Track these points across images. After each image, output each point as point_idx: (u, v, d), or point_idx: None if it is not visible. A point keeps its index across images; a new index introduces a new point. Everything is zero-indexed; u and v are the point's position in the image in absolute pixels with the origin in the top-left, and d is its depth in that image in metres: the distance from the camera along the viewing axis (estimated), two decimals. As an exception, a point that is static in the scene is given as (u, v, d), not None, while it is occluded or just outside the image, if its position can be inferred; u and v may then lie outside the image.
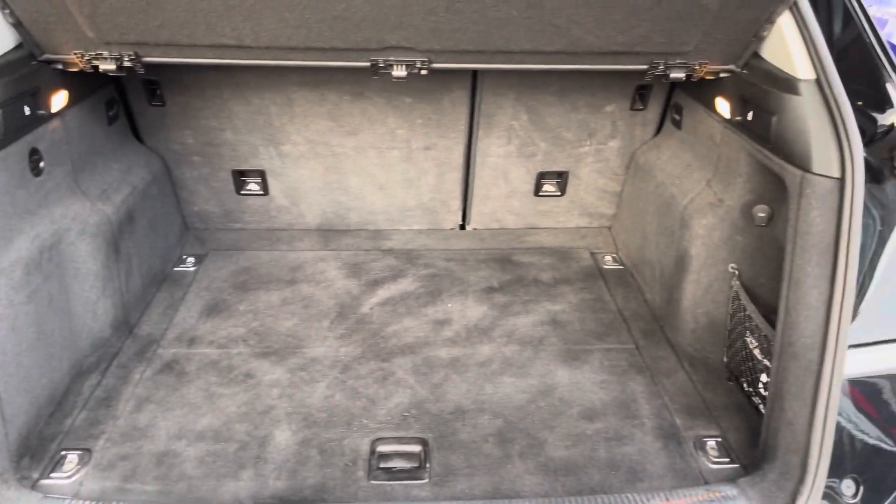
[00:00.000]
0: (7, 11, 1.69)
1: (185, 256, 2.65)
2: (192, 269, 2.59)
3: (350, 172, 2.72)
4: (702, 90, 2.24)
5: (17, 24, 1.73)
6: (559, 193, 2.83)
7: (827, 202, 1.57)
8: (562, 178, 2.79)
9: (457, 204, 2.84)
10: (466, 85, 2.50)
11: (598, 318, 2.36)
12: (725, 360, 2.09)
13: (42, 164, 1.87)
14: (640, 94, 2.55)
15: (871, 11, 1.83)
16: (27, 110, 1.80)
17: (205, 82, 2.45)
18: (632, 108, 2.58)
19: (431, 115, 2.58)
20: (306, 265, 2.64)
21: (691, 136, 2.36)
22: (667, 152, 2.51)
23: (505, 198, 2.83)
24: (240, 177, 2.71)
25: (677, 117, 2.46)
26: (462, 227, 2.91)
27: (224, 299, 2.41)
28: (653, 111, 2.60)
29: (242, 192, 2.75)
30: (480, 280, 2.57)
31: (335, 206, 2.81)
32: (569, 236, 2.88)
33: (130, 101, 2.47)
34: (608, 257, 2.74)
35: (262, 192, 2.76)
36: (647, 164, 2.57)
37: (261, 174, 2.71)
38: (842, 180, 1.56)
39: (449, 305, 2.41)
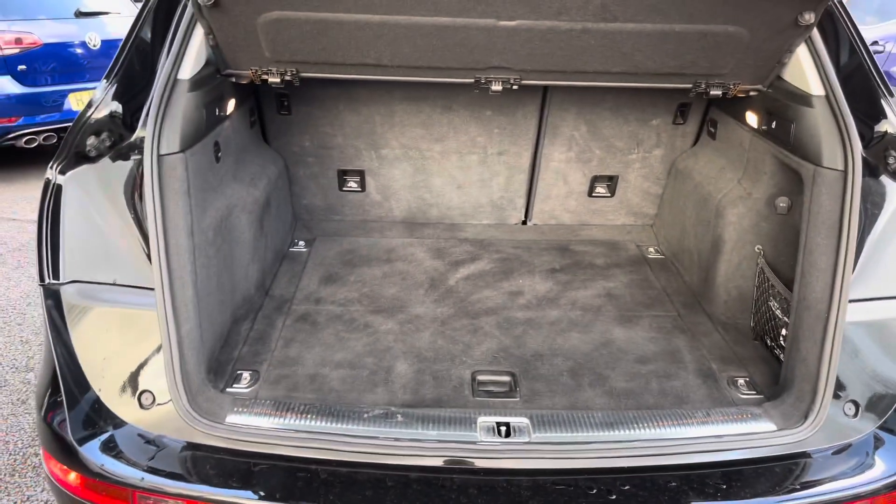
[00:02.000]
0: (210, 36, 2.24)
1: (297, 240, 3.19)
2: (305, 250, 3.13)
3: (434, 173, 3.26)
4: (734, 106, 2.75)
5: (215, 46, 2.28)
6: (609, 195, 3.34)
7: (834, 188, 2.05)
8: (612, 181, 3.30)
9: (521, 202, 3.36)
10: (537, 101, 3.04)
11: (645, 293, 2.85)
12: (752, 323, 2.56)
13: (220, 154, 2.42)
14: (681, 111, 3.08)
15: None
16: (216, 112, 2.35)
17: (325, 96, 3.01)
18: (674, 123, 3.11)
19: (506, 125, 3.11)
20: (398, 249, 3.17)
21: (724, 145, 2.87)
22: (703, 159, 3.02)
23: (563, 197, 3.34)
24: (343, 175, 3.26)
25: (713, 130, 2.98)
26: (524, 222, 3.43)
27: (336, 272, 2.94)
28: (692, 125, 3.12)
29: (344, 188, 3.30)
30: (544, 263, 3.08)
31: (419, 202, 3.34)
32: (617, 232, 3.39)
33: (264, 110, 3.03)
34: (651, 249, 3.24)
35: (360, 189, 3.30)
36: (686, 169, 3.08)
37: (360, 173, 3.25)
38: (845, 172, 2.04)
39: (520, 281, 2.92)
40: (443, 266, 3.03)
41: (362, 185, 3.29)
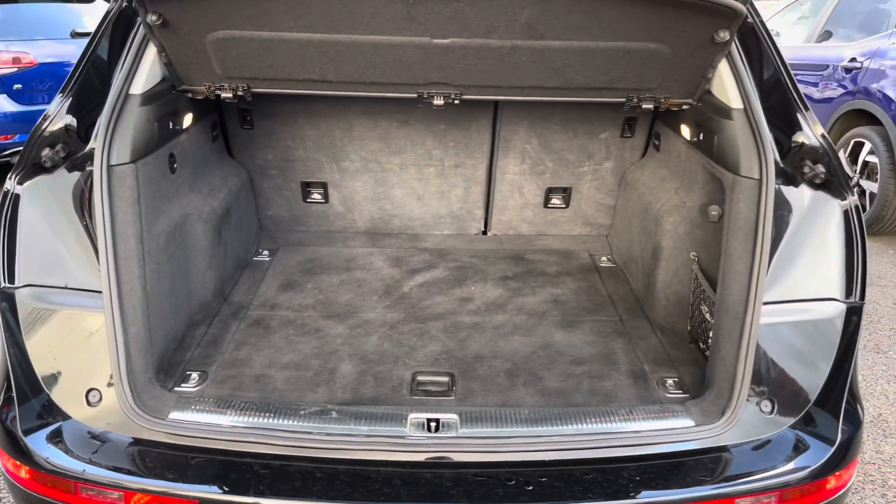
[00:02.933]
0: (163, 54, 2.37)
1: (261, 250, 3.32)
2: (268, 259, 3.25)
3: (395, 185, 3.38)
4: (673, 120, 2.87)
5: (168, 64, 2.42)
6: (564, 206, 3.46)
7: (750, 196, 2.15)
8: (566, 192, 3.42)
9: (480, 213, 3.48)
10: (489, 115, 3.16)
11: (591, 299, 2.96)
12: (689, 327, 2.66)
13: (175, 166, 2.55)
14: (629, 124, 3.20)
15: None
16: (170, 125, 2.48)
17: (286, 111, 3.14)
18: (622, 136, 3.23)
19: (461, 139, 3.24)
20: (358, 258, 3.29)
21: (666, 157, 2.98)
22: (648, 170, 3.13)
23: (520, 208, 3.46)
24: (306, 187, 3.39)
25: (657, 142, 3.10)
26: (484, 232, 3.54)
27: (295, 280, 3.06)
28: (639, 138, 3.24)
29: (308, 200, 3.42)
30: (498, 271, 3.19)
31: (381, 213, 3.46)
32: (572, 241, 3.50)
33: (227, 124, 3.17)
34: (604, 258, 3.35)
35: (323, 201, 3.43)
36: (634, 181, 3.19)
37: (323, 185, 3.38)
38: (760, 180, 2.15)
39: (472, 288, 3.03)
40: (399, 274, 3.14)
41: (325, 196, 3.42)
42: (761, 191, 2.12)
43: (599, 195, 3.42)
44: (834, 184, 2.21)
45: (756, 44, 2.46)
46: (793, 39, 7.35)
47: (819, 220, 2.20)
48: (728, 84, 2.33)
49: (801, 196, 2.23)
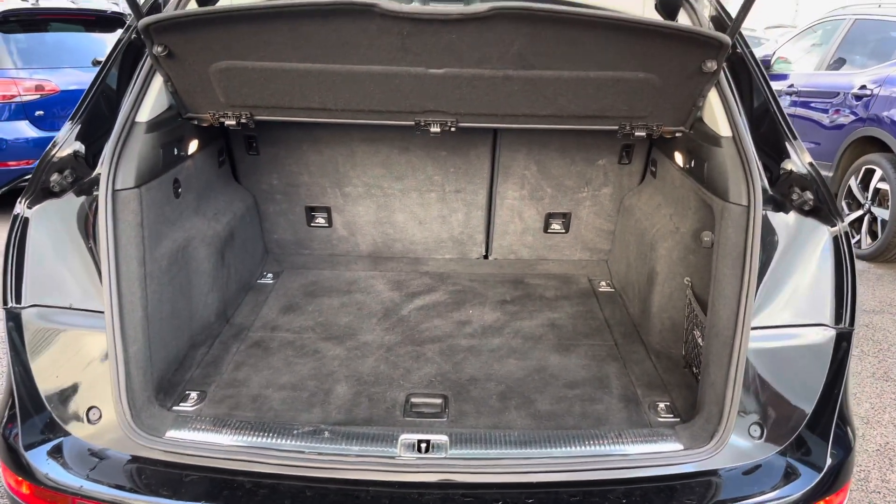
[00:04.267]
0: (169, 83, 2.47)
1: (265, 273, 3.39)
2: (271, 281, 3.32)
3: (397, 210, 3.45)
4: (668, 147, 2.91)
5: (174, 93, 2.51)
6: (564, 231, 3.50)
7: (739, 222, 2.18)
8: (566, 218, 3.46)
9: (481, 237, 3.53)
10: (488, 142, 3.22)
11: (587, 323, 2.98)
12: (683, 352, 2.67)
13: (180, 190, 2.63)
14: (626, 151, 3.24)
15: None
16: (175, 151, 2.57)
17: (290, 137, 3.23)
18: (619, 163, 3.27)
19: (461, 165, 3.30)
20: (360, 281, 3.34)
21: (662, 183, 3.02)
22: (645, 196, 3.17)
23: (520, 233, 3.50)
24: (310, 212, 3.46)
25: (654, 169, 3.13)
26: (485, 256, 3.59)
27: (297, 302, 3.12)
28: (637, 164, 3.28)
29: (312, 224, 3.49)
30: (497, 295, 3.23)
31: (384, 237, 3.52)
32: (572, 266, 3.53)
33: (234, 150, 3.26)
34: (603, 282, 3.38)
35: (327, 225, 3.50)
36: (631, 207, 3.23)
37: (327, 210, 3.45)
38: (748, 207, 2.18)
39: (470, 311, 3.07)
40: (399, 297, 3.19)
41: (329, 220, 3.49)
42: (749, 217, 2.14)
43: (598, 220, 3.46)
44: (823, 210, 2.23)
45: (746, 73, 2.51)
46: (806, 66, 7.38)
47: (808, 247, 2.21)
48: (717, 112, 2.37)
49: (789, 222, 2.25)
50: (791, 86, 7.35)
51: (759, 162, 2.25)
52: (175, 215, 2.58)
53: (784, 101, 7.42)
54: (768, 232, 2.17)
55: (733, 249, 2.17)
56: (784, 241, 2.22)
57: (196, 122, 2.67)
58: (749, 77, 2.48)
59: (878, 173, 5.98)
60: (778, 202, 2.27)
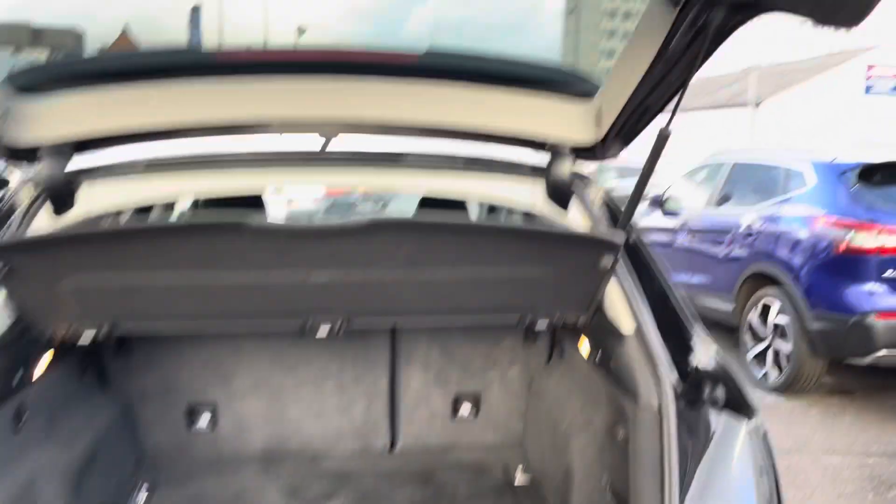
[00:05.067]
0: (13, 300, 2.16)
1: (140, 486, 2.94)
2: (145, 494, 2.88)
3: (290, 404, 3.14)
4: (574, 334, 2.79)
5: (20, 309, 2.20)
6: (474, 415, 3.26)
7: (651, 427, 2.03)
8: (475, 400, 3.24)
9: (385, 428, 3.24)
10: (388, 327, 3.02)
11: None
12: (609, 563, 2.42)
13: (25, 417, 2.25)
14: (530, 331, 3.10)
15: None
16: (19, 376, 2.21)
17: (167, 335, 2.92)
18: (525, 342, 3.12)
19: (359, 351, 3.07)
20: (248, 492, 2.95)
21: (569, 368, 2.87)
22: (554, 379, 3.01)
23: (427, 420, 3.25)
24: (191, 413, 3.10)
25: (561, 350, 3.00)
26: (391, 447, 3.29)
27: None
28: (542, 344, 3.14)
29: (194, 427, 3.12)
30: (404, 499, 2.91)
31: (277, 435, 3.18)
32: (485, 452, 3.27)
33: (102, 350, 2.91)
34: (519, 470, 3.12)
35: (210, 427, 3.13)
36: (540, 390, 3.06)
37: (211, 409, 3.10)
38: (659, 408, 2.03)
39: None
40: (293, 510, 2.82)
41: (214, 421, 3.13)
42: (662, 420, 2.00)
43: (509, 401, 3.26)
44: (736, 404, 2.12)
45: (642, 263, 2.45)
46: (697, 204, 7.73)
47: (726, 446, 2.08)
48: (619, 308, 2.27)
49: (705, 420, 2.12)
50: (684, 223, 7.67)
51: (667, 356, 2.14)
52: (14, 453, 2.19)
53: (679, 237, 7.72)
54: (684, 433, 2.03)
55: (650, 457, 2.00)
56: (703, 442, 2.08)
57: (48, 337, 2.35)
58: (646, 267, 2.43)
59: (776, 306, 6.16)
60: (691, 399, 2.14)
